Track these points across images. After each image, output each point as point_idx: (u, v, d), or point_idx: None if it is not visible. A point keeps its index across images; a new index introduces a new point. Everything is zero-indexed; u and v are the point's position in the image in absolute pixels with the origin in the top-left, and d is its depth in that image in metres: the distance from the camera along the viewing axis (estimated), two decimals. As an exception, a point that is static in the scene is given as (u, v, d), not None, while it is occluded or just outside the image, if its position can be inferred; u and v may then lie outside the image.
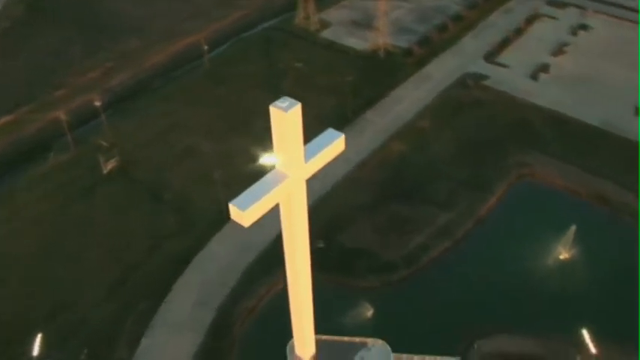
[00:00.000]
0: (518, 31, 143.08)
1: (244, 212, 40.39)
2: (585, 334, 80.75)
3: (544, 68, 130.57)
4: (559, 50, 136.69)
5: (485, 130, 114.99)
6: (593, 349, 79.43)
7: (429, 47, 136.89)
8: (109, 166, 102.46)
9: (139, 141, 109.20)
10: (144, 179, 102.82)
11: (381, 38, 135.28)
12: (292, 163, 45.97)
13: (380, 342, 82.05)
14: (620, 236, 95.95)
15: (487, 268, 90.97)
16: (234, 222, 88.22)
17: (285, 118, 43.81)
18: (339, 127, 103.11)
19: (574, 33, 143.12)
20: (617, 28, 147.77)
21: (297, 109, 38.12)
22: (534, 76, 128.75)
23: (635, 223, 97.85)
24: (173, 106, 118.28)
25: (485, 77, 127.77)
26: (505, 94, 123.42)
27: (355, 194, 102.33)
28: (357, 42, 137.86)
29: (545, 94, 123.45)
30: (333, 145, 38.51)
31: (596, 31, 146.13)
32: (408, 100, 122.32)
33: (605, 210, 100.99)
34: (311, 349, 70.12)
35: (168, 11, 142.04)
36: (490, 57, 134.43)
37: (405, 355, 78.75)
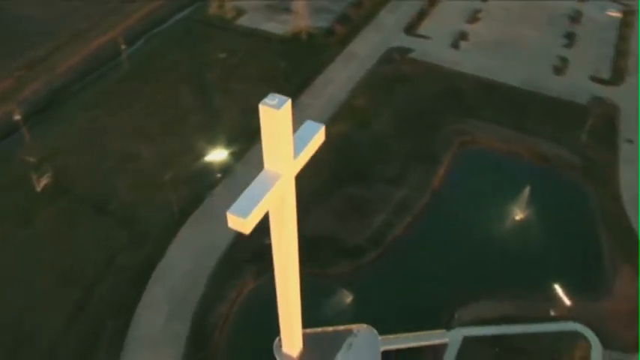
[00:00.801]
0: (432, 2, 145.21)
1: (247, 219, 38.17)
2: (557, 288, 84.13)
3: (463, 36, 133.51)
4: (473, 17, 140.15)
5: (421, 102, 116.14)
6: (567, 302, 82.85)
7: (349, 25, 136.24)
8: (42, 182, 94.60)
9: (69, 152, 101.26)
10: (83, 192, 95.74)
11: (300, 20, 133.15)
12: (283, 161, 44.50)
13: (365, 326, 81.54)
14: (567, 191, 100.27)
15: (451, 238, 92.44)
16: (190, 226, 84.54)
17: (276, 115, 42.28)
18: None
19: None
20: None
21: (287, 105, 36.59)
22: (456, 45, 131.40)
23: (577, 175, 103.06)
24: (98, 111, 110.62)
25: (409, 50, 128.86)
26: (432, 65, 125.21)
27: (306, 181, 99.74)
28: (276, 26, 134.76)
29: (468, 62, 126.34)
30: (316, 137, 37.16)
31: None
32: (339, 80, 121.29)
33: (546, 167, 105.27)
34: (299, 345, 68.64)
35: (77, 11, 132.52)
36: (410, 30, 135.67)
37: (392, 336, 78.84)
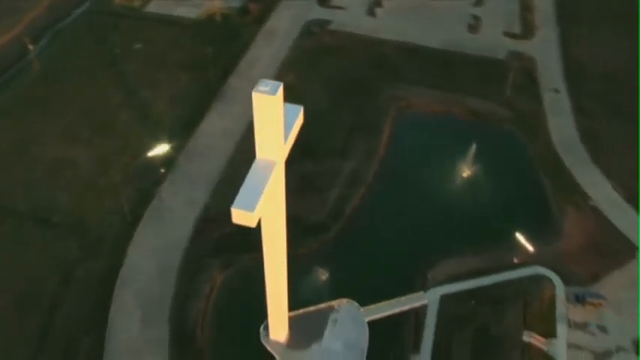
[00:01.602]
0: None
1: (254, 212, 37.74)
2: (514, 237, 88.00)
3: (377, 3, 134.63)
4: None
5: (349, 72, 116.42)
6: (526, 248, 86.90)
7: (262, 2, 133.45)
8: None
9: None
10: (22, 207, 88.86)
11: (212, 2, 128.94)
12: (276, 148, 44.49)
13: (345, 301, 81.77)
14: (504, 143, 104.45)
15: (407, 203, 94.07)
16: (144, 227, 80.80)
17: (271, 102, 41.97)
18: (207, 101, 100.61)
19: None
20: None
21: (281, 89, 36.45)
22: (372, 12, 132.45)
23: (510, 127, 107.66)
24: (17, 117, 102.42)
25: (328, 22, 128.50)
26: (353, 35, 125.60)
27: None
28: (188, 11, 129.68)
29: (387, 28, 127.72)
30: (297, 120, 37.31)
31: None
32: (264, 58, 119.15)
33: (480, 122, 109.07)
34: (285, 330, 68.55)
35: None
36: (324, 1, 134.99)
37: (373, 306, 79.65)
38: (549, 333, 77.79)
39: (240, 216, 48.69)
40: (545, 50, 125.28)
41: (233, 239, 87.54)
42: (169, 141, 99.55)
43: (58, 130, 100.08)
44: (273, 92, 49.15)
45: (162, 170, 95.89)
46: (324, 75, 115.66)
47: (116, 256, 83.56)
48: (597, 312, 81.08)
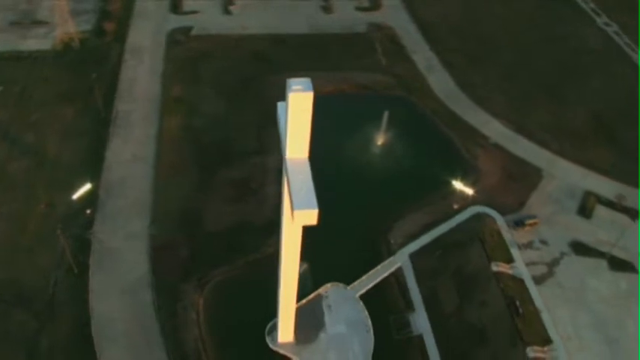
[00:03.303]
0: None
1: (316, 209, 43.44)
2: (446, 184, 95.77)
3: (229, 1, 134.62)
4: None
5: (234, 72, 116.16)
6: (459, 192, 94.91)
7: (114, 20, 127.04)
8: None
9: None
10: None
11: (61, 29, 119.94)
12: (304, 144, 50.55)
13: (329, 285, 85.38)
14: (400, 107, 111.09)
15: (342, 179, 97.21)
16: (96, 273, 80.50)
17: (305, 99, 47.69)
18: (102, 130, 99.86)
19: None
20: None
21: (310, 85, 44.10)
22: (227, 11, 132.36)
23: (398, 92, 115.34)
24: None
25: (189, 28, 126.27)
26: (220, 36, 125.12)
27: (180, 185, 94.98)
28: (38, 43, 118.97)
29: (249, 24, 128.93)
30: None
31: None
32: (142, 75, 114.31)
33: (371, 93, 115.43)
34: (292, 330, 71.71)
35: None
36: (176, 9, 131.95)
37: (356, 282, 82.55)
38: (508, 259, 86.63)
39: (303, 216, 50.01)
40: (396, 17, 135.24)
41: (195, 259, 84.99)
42: (81, 179, 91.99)
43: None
44: (307, 89, 50.69)
45: (88, 211, 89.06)
46: (209, 80, 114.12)
47: (80, 313, 76.66)
48: (535, 230, 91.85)
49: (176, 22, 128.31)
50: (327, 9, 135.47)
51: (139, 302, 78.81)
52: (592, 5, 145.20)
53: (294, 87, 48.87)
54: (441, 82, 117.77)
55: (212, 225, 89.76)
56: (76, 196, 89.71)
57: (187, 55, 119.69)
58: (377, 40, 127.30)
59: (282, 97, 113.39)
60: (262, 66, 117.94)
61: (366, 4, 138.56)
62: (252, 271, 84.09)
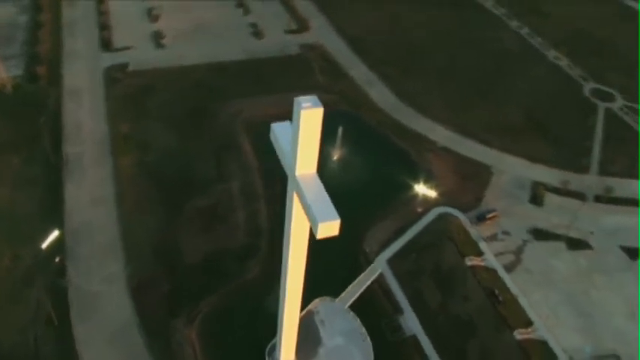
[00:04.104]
0: (101, 14, 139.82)
1: (339, 219, 47.56)
2: (407, 190, 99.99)
3: (159, 35, 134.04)
4: (152, 16, 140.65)
5: (179, 105, 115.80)
6: (421, 195, 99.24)
7: (45, 62, 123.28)
8: None
9: None
10: None
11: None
12: (313, 159, 54.22)
13: (317, 301, 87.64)
14: (350, 121, 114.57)
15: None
16: (79, 321, 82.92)
17: (316, 115, 51.21)
18: (55, 176, 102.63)
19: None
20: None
21: (318, 100, 47.62)
22: (159, 45, 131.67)
23: (345, 107, 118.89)
24: None
25: (125, 65, 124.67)
26: (157, 70, 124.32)
27: (147, 222, 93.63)
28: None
29: (184, 55, 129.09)
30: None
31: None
32: (86, 116, 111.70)
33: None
34: (294, 349, 74.97)
35: None
36: (107, 46, 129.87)
37: (342, 294, 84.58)
38: (478, 253, 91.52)
39: (326, 229, 52.42)
40: (326, 37, 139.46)
41: (178, 294, 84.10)
42: (43, 228, 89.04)
43: None
44: (316, 105, 53.25)
45: (57, 259, 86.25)
46: (156, 114, 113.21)
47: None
48: (496, 223, 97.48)
49: (110, 59, 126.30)
50: (257, 34, 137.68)
51: (130, 345, 77.04)
52: (503, 10, 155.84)
53: (304, 104, 50.03)
54: (381, 94, 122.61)
55: (188, 257, 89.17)
56: (41, 245, 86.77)
57: (128, 91, 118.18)
58: (312, 60, 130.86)
59: (233, 122, 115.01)
60: (206, 94, 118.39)
61: (294, 26, 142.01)
62: (238, 297, 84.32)
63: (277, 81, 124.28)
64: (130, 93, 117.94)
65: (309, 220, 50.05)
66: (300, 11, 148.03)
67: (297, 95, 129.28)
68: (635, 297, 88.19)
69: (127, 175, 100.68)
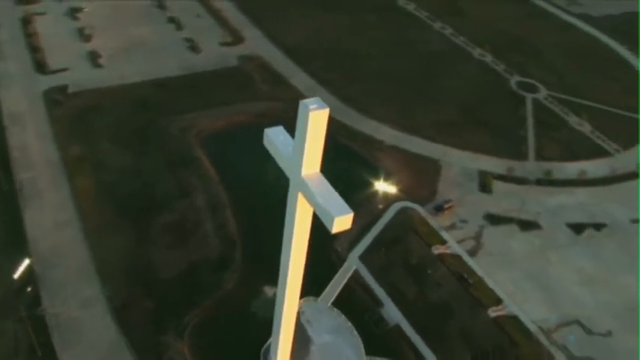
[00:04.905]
0: (29, 36, 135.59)
1: (352, 212, 51.97)
2: (367, 188, 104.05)
3: (94, 55, 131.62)
4: (84, 36, 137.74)
5: (127, 123, 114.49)
6: (381, 192, 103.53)
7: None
8: None
9: None
10: None
11: None
12: (317, 159, 57.96)
13: (301, 301, 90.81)
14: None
15: (272, 203, 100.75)
16: (63, 350, 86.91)
17: (322, 115, 54.94)
18: (11, 204, 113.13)
19: (75, 17, 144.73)
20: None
21: (322, 102, 51.21)
22: (97, 64, 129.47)
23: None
24: None
25: (64, 87, 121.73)
26: (99, 90, 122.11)
27: (116, 242, 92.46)
28: None
29: (123, 73, 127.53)
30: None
31: (91, 7, 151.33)
32: (32, 141, 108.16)
33: (267, 120, 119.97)
34: (289, 351, 79.03)
35: None
36: (42, 69, 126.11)
37: (323, 293, 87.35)
38: (442, 241, 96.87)
39: (341, 223, 55.93)
40: (262, 47, 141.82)
41: (162, 310, 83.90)
42: (8, 259, 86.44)
43: None
44: (322, 107, 56.61)
45: (29, 288, 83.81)
46: (105, 134, 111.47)
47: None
48: (453, 212, 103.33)
49: (47, 82, 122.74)
50: (194, 49, 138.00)
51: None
52: (425, 13, 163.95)
53: (311, 107, 52.20)
54: (325, 100, 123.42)
55: (164, 273, 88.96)
56: (11, 276, 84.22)
57: (72, 113, 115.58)
58: (252, 70, 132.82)
59: (185, 137, 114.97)
60: (153, 111, 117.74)
61: (228, 39, 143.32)
62: (223, 307, 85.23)
63: (221, 93, 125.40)
64: (75, 114, 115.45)
65: (321, 217, 52.54)
66: (232, 24, 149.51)
67: (244, 106, 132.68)
68: (585, 267, 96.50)
69: (86, 196, 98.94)
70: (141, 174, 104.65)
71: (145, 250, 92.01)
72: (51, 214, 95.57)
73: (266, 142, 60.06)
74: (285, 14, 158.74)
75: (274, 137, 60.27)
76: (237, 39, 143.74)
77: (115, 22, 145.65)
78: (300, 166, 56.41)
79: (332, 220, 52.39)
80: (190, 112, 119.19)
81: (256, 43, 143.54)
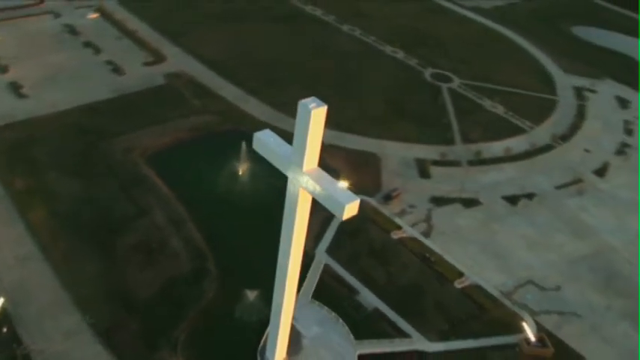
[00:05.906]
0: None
1: (358, 199, 59.50)
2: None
3: (16, 86, 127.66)
4: (1, 67, 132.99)
5: (67, 150, 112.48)
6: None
7: None
8: None
9: None
10: None
11: None
12: (316, 155, 64.29)
13: None
14: (236, 136, 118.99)
15: (232, 212, 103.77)
16: None
17: (321, 113, 61.57)
18: None
19: None
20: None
21: (319, 100, 57.65)
22: (19, 94, 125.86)
23: (230, 127, 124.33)
24: None
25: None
26: (30, 120, 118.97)
27: (85, 269, 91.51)
28: None
29: (52, 101, 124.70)
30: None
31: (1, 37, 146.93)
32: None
33: (205, 133, 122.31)
34: (285, 347, 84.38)
35: None
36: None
37: (301, 290, 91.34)
38: (397, 227, 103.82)
39: (350, 210, 61.92)
40: (185, 63, 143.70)
41: (149, 328, 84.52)
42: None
43: None
44: (321, 104, 61.71)
45: (5, 329, 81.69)
46: (47, 163, 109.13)
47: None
48: (401, 199, 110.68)
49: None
50: (117, 71, 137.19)
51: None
52: (332, 17, 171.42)
53: (310, 105, 55.49)
54: (256, 108, 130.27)
55: (143, 292, 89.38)
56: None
57: (7, 145, 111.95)
58: (181, 86, 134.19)
59: (130, 157, 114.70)
60: (90, 136, 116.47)
61: (150, 58, 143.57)
62: (208, 315, 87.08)
63: (156, 111, 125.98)
64: (10, 147, 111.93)
65: (329, 207, 57.11)
66: (150, 43, 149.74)
67: (182, 122, 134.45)
68: (526, 233, 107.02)
69: (43, 227, 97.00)
70: (94, 199, 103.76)
71: (117, 272, 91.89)
72: (10, 249, 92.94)
73: (256, 145, 63.51)
74: (198, 30, 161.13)
75: (266, 140, 64.36)
76: (158, 58, 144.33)
77: (30, 51, 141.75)
78: (302, 162, 60.83)
79: (343, 208, 57.45)
80: (129, 133, 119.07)
81: (178, 59, 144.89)
